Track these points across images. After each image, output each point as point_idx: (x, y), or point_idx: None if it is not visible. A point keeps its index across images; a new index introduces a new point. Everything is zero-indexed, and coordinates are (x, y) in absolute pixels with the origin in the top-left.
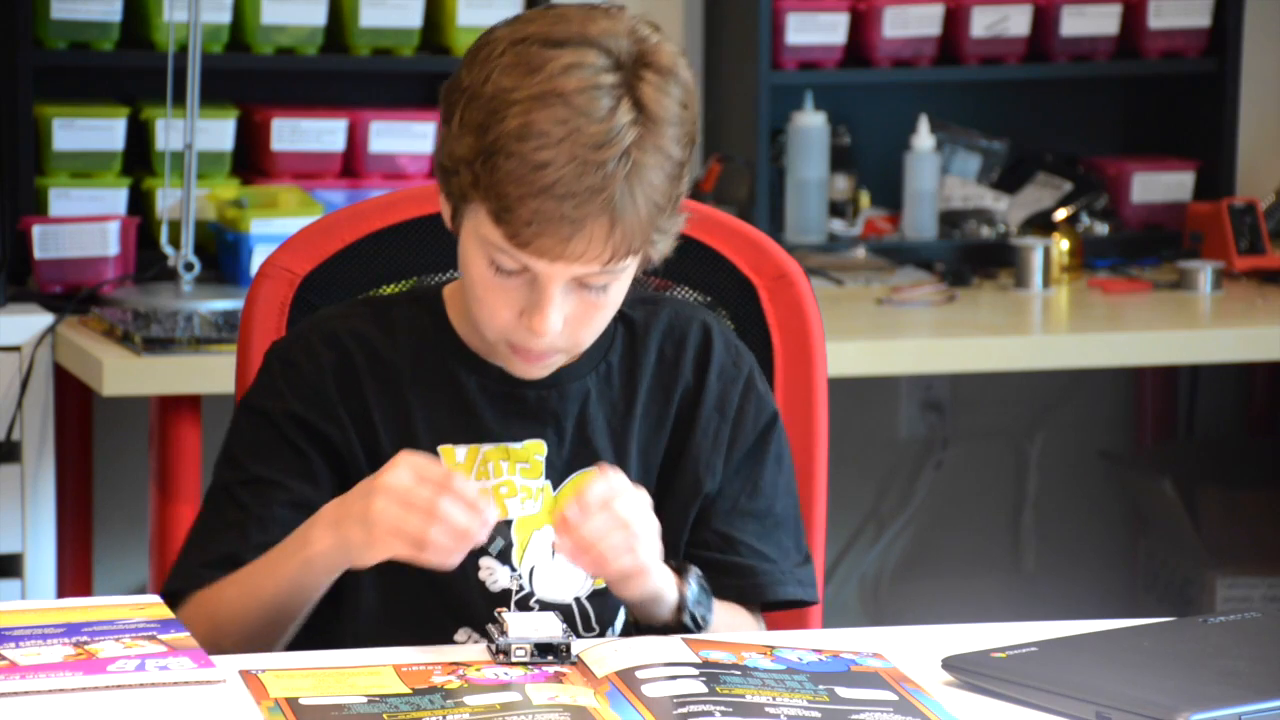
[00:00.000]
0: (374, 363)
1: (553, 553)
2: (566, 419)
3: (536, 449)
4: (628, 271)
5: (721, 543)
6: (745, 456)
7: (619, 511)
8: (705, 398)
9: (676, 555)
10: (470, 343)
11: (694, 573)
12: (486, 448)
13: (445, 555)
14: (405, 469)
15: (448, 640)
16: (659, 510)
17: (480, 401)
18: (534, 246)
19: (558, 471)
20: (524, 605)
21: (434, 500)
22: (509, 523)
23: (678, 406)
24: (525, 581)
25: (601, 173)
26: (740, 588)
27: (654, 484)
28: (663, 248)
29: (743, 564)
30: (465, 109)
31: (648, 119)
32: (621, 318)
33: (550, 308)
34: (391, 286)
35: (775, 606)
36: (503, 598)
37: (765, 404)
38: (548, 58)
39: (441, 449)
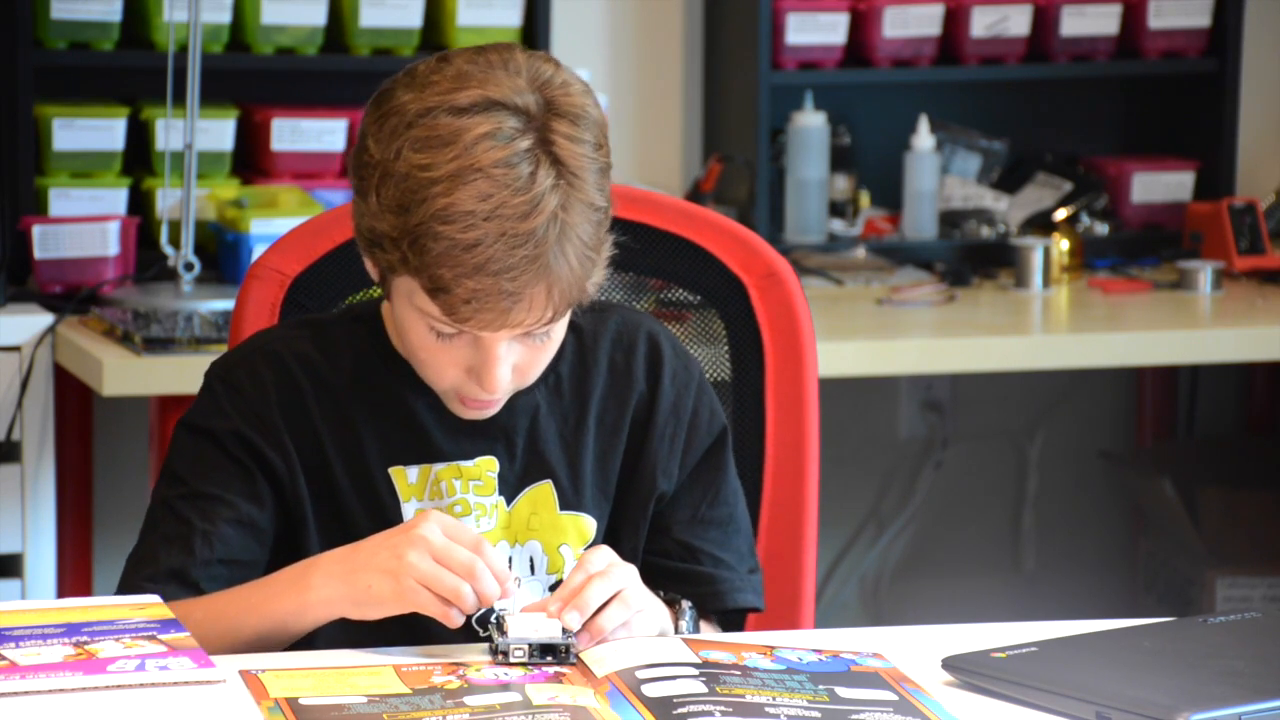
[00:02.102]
0: (318, 385)
1: (509, 566)
2: (517, 434)
3: (488, 465)
4: (567, 314)
5: (683, 552)
6: (703, 463)
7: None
8: (660, 403)
9: (636, 559)
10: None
11: (687, 607)
12: (438, 467)
13: (463, 616)
14: (436, 525)
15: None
16: (619, 517)
17: (429, 421)
18: (474, 321)
19: (510, 487)
20: (485, 622)
21: (471, 561)
22: None
23: (633, 414)
24: None
25: (532, 241)
26: (700, 596)
27: (612, 491)
28: (597, 279)
29: (703, 572)
30: (380, 186)
31: (569, 175)
32: (569, 326)
33: (497, 366)
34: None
35: (730, 614)
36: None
37: (717, 410)
38: (458, 129)
39: (393, 471)
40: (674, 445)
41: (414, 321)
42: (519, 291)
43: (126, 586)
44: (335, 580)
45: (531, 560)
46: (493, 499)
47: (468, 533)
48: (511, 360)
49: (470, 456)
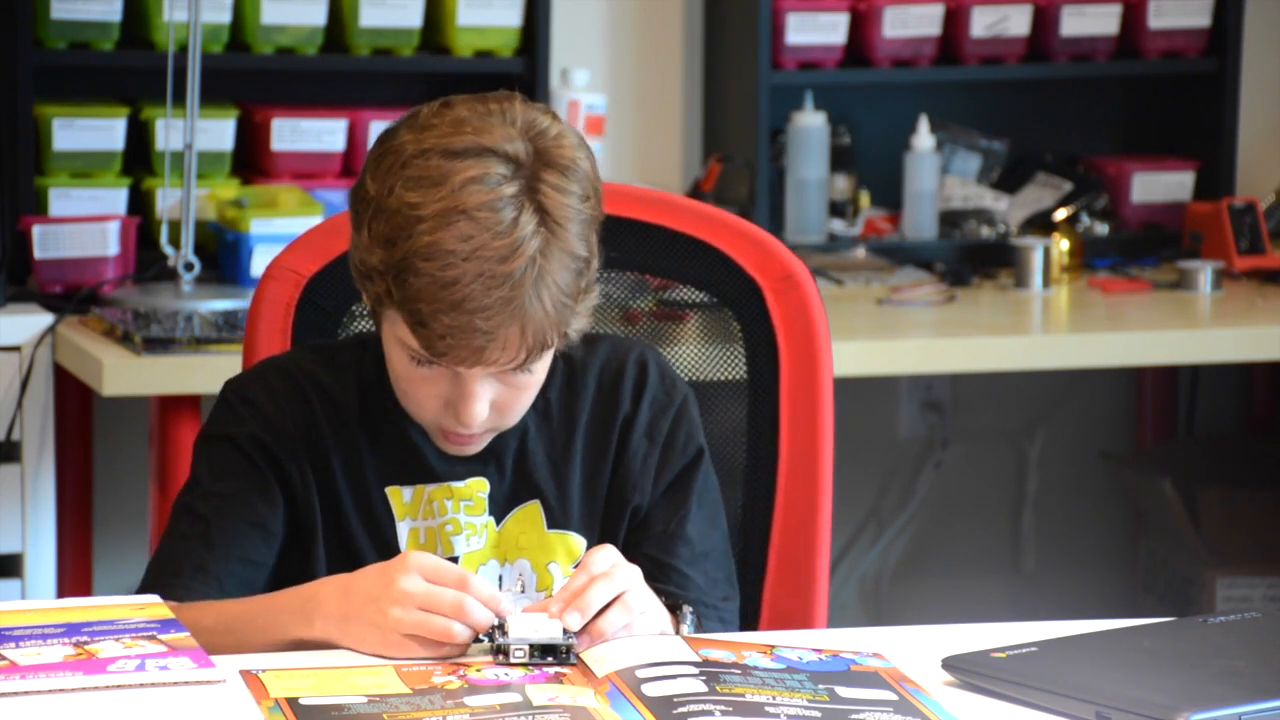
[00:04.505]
0: (326, 403)
1: (499, 584)
2: (506, 456)
3: (479, 486)
4: (547, 356)
5: (651, 567)
6: (674, 484)
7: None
8: (637, 423)
9: None
10: None
11: (688, 611)
12: (431, 488)
13: (457, 650)
14: (415, 575)
15: None
16: (602, 534)
17: (423, 443)
18: (449, 357)
19: (500, 507)
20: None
21: (458, 600)
22: (456, 559)
23: (618, 435)
24: None
25: (509, 284)
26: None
27: (600, 513)
28: (579, 325)
29: (669, 591)
30: (373, 220)
31: (551, 223)
32: (561, 356)
33: (474, 401)
34: None
35: None
36: None
37: (695, 434)
38: (449, 170)
39: (389, 490)
40: (647, 463)
41: (398, 353)
42: (493, 331)
43: (148, 583)
44: (332, 625)
45: (521, 578)
46: (483, 519)
47: (451, 572)
48: (489, 397)
49: (462, 478)
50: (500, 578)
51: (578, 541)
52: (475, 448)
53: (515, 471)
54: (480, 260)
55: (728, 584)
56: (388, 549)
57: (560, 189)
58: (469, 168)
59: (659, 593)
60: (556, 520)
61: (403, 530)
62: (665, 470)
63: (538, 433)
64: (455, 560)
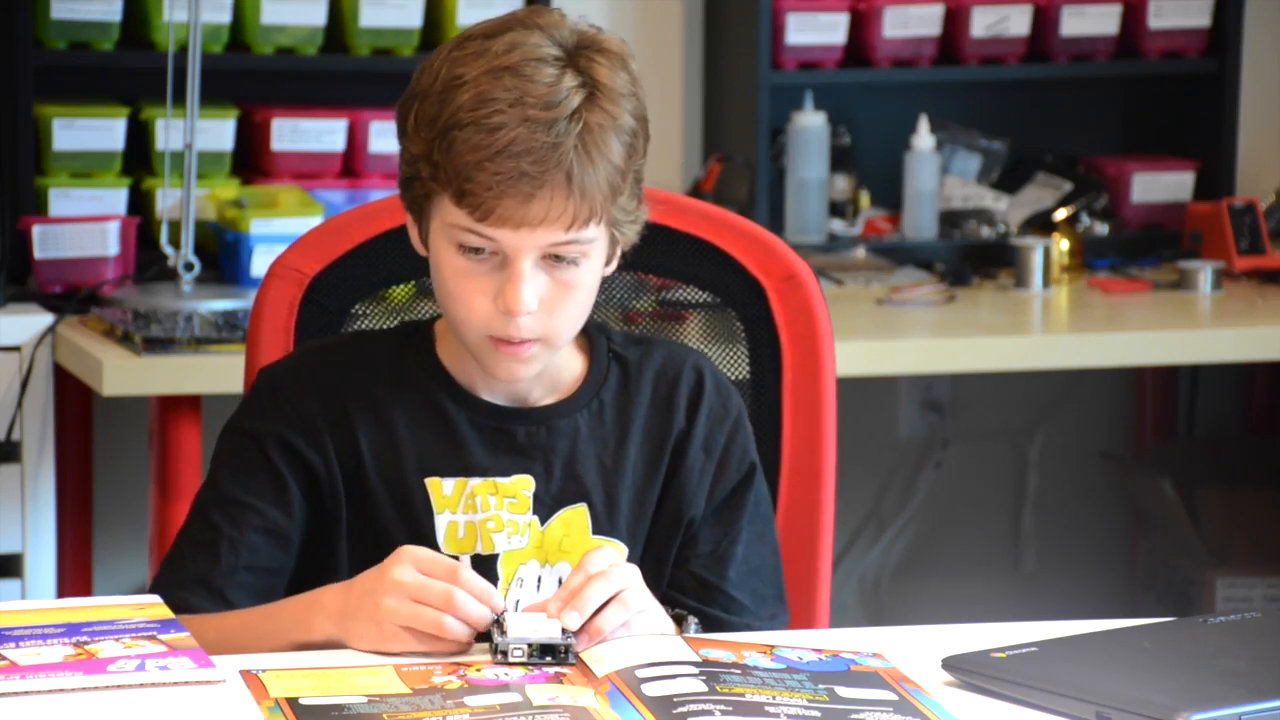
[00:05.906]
0: (362, 393)
1: (537, 586)
2: (555, 455)
3: (524, 484)
4: (596, 248)
5: (699, 588)
6: (727, 501)
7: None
8: (694, 437)
9: (659, 588)
10: (458, 377)
11: (693, 623)
12: (474, 482)
13: (455, 645)
14: (408, 566)
15: None
16: (652, 547)
17: (469, 435)
18: (497, 214)
19: (545, 507)
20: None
21: (448, 592)
22: (495, 556)
23: (672, 449)
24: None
25: (554, 131)
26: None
27: (649, 522)
28: (629, 234)
29: (714, 615)
30: (418, 109)
31: (595, 86)
32: (615, 357)
33: (523, 282)
34: (400, 287)
35: None
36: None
37: (749, 451)
38: (492, 43)
39: (429, 481)
40: (703, 477)
41: (444, 249)
42: (540, 177)
43: (157, 588)
44: (331, 625)
45: (560, 581)
46: (526, 517)
47: (443, 563)
48: (538, 288)
49: (508, 473)
50: (539, 579)
51: (621, 549)
52: (524, 367)
53: (564, 472)
54: (525, 106)
55: (776, 600)
56: (424, 542)
57: (607, 65)
58: (512, 36)
59: (697, 613)
60: (602, 526)
61: (441, 523)
62: (719, 486)
63: (590, 435)
64: (495, 558)
